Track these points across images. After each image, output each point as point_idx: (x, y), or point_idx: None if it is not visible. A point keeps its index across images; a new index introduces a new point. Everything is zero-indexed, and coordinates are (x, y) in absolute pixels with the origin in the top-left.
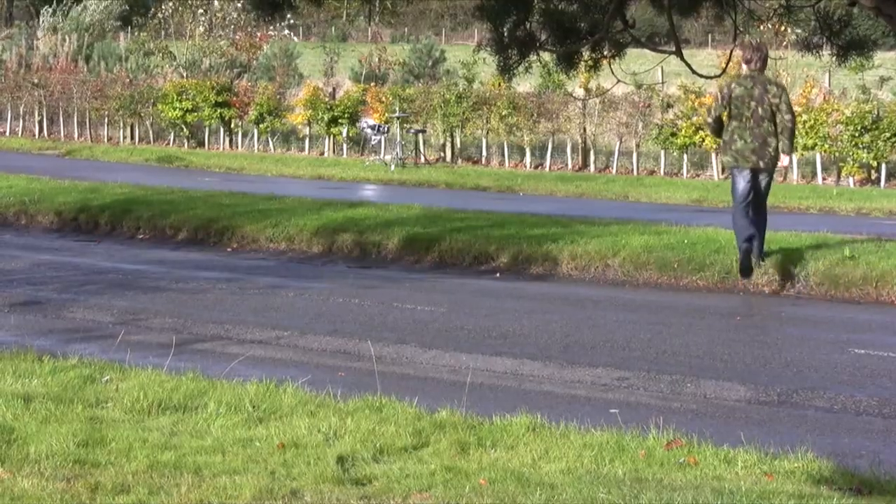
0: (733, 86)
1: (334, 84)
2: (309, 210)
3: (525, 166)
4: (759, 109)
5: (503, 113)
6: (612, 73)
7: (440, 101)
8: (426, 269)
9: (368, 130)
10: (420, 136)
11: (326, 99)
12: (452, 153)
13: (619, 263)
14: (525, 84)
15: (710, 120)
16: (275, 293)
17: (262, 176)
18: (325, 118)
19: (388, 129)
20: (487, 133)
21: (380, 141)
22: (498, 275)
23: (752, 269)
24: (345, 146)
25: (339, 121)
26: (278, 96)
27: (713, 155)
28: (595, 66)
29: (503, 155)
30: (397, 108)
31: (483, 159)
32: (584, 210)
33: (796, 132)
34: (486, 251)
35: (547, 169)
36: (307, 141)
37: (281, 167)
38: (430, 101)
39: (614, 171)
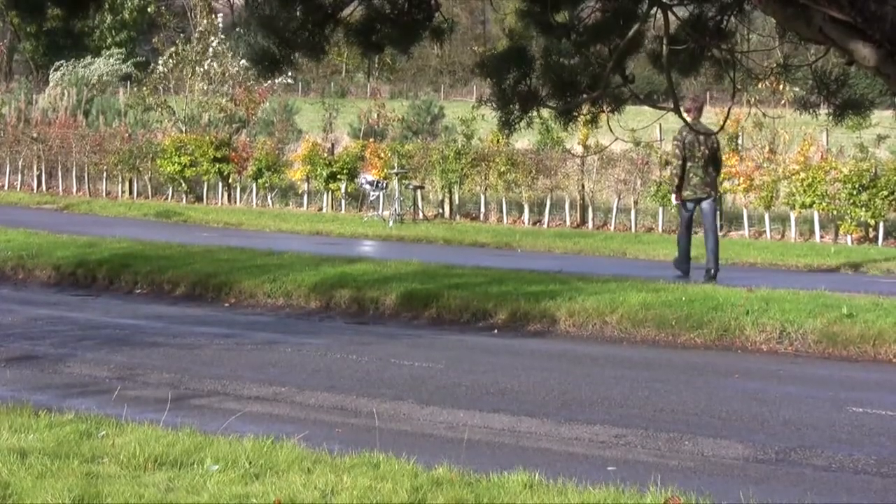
0: (684, 133)
1: (333, 140)
2: (307, 266)
3: (523, 223)
4: (706, 150)
5: (502, 169)
6: (611, 129)
7: (439, 157)
8: (424, 325)
9: (367, 186)
10: (418, 192)
11: (325, 154)
12: (451, 209)
13: (617, 320)
14: (524, 140)
15: (679, 162)
16: (272, 349)
17: (261, 231)
18: (324, 174)
19: (387, 184)
20: (486, 189)
21: (378, 197)
22: (496, 331)
23: (689, 269)
24: (343, 202)
25: (338, 176)
26: (277, 152)
27: None
28: (594, 121)
29: (502, 211)
30: (396, 164)
31: (481, 215)
32: (582, 267)
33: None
34: (484, 308)
35: (545, 225)
36: (305, 196)
37: (279, 222)
38: (429, 157)
39: (612, 227)
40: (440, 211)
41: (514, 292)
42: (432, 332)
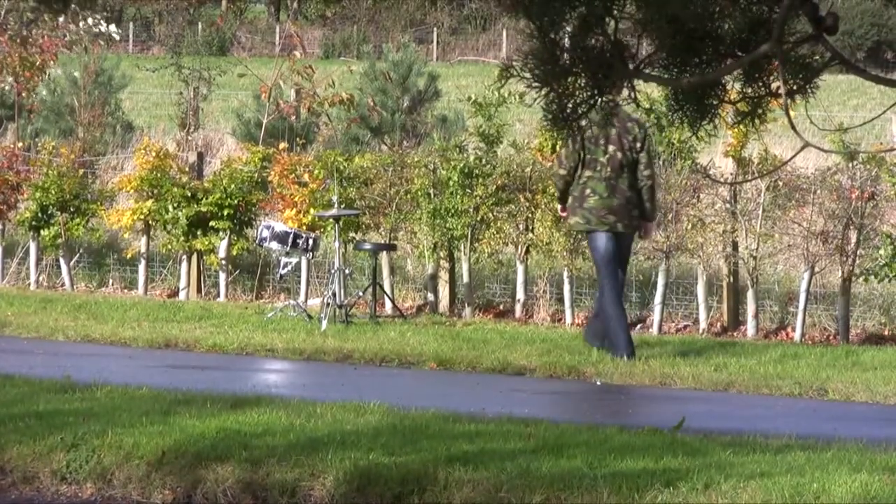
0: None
1: (200, 144)
2: (145, 414)
3: None
4: (619, 154)
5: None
6: (794, 128)
7: (427, 184)
8: None
9: (275, 245)
10: (383, 257)
11: (184, 176)
12: (452, 295)
13: None
14: None
15: (562, 171)
16: None
17: (47, 340)
18: (182, 218)
19: (317, 242)
20: (527, 251)
21: (296, 267)
22: None
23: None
24: (223, 278)
25: (212, 224)
26: (83, 171)
27: None
28: (754, 114)
29: (560, 299)
30: (335, 199)
31: (517, 307)
32: (732, 417)
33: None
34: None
35: (654, 329)
36: (142, 265)
37: (87, 322)
38: (406, 183)
39: (798, 333)
40: (429, 298)
41: (589, 472)
42: None
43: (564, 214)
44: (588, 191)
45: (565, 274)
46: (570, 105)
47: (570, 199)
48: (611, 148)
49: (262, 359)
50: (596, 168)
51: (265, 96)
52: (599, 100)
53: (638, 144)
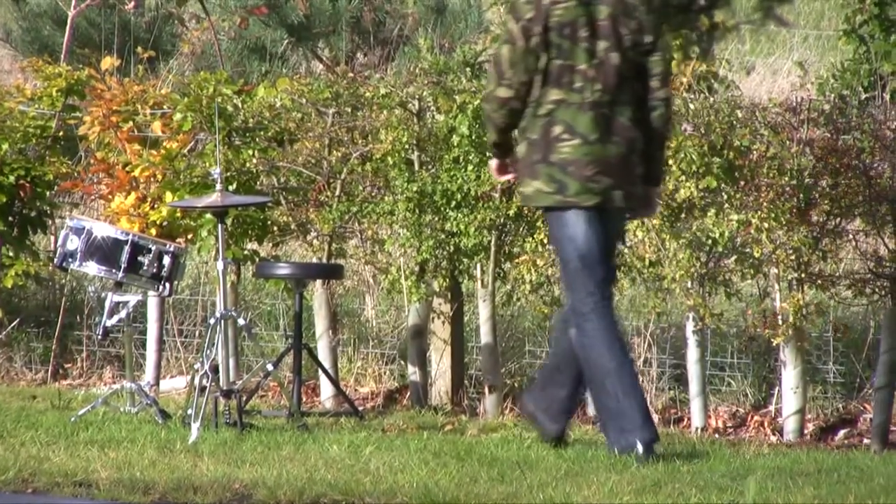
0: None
1: None
2: None
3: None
4: (612, 56)
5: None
6: None
7: (406, 140)
8: None
9: (93, 268)
10: (316, 292)
11: None
12: (457, 370)
13: None
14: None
15: (503, 91)
16: None
17: None
18: None
19: (178, 262)
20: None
21: (137, 313)
22: None
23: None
24: None
25: None
26: None
27: None
28: None
29: (678, 377)
30: (217, 174)
31: (591, 395)
32: None
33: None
34: None
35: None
36: None
37: None
38: (364, 140)
39: None
40: (412, 375)
41: None
42: None
43: (504, 177)
44: (559, 128)
45: (689, 326)
46: None
47: (520, 148)
48: (601, 44)
49: (66, 502)
50: (573, 83)
51: None
52: None
53: (647, 35)
